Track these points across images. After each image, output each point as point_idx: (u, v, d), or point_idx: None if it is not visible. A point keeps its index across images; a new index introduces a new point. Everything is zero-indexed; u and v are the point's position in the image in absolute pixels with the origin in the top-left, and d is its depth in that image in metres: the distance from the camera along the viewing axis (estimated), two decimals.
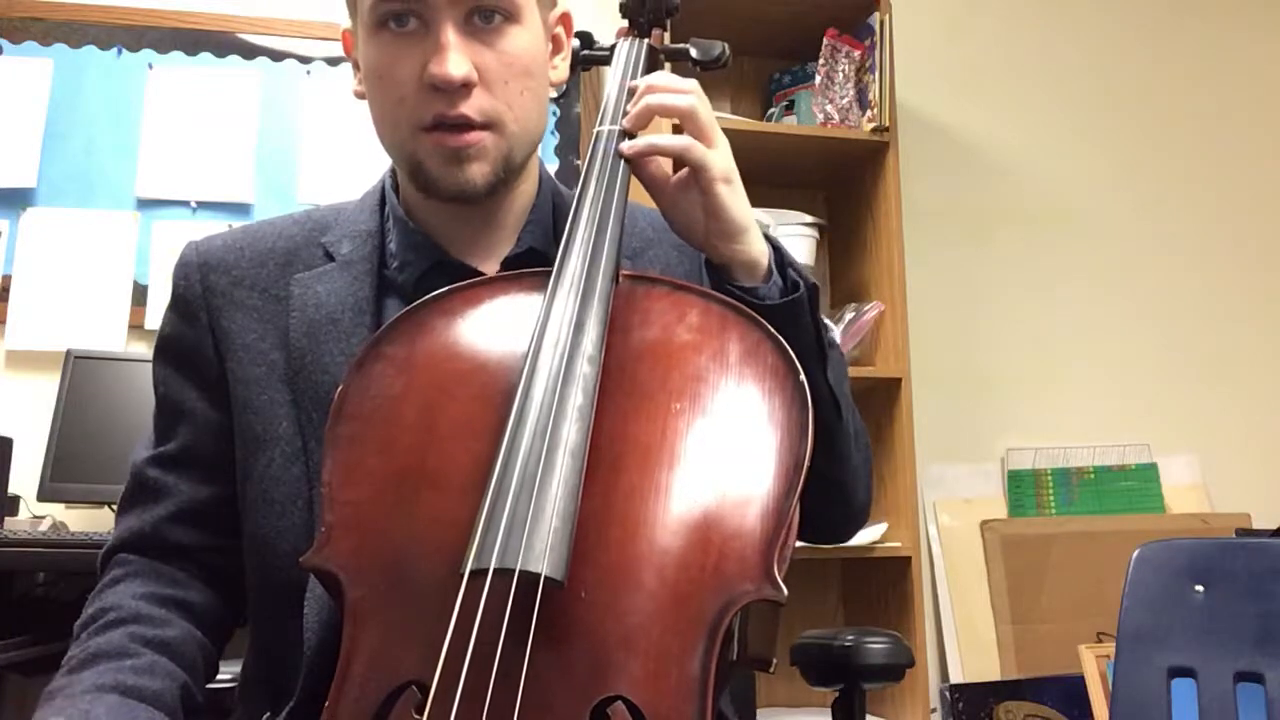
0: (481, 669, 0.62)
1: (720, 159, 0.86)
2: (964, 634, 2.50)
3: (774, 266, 0.89)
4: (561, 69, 0.99)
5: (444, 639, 0.64)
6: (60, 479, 2.08)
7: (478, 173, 0.89)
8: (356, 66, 0.95)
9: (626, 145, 0.87)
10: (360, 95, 0.95)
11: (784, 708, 2.35)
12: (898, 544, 2.29)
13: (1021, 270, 2.80)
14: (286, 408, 0.91)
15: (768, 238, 0.90)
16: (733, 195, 0.86)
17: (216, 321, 0.94)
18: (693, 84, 0.88)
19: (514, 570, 0.63)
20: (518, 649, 0.63)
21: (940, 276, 2.70)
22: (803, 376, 0.75)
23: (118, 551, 0.93)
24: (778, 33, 2.52)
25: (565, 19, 0.99)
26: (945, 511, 2.60)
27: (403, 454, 0.75)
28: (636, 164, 0.89)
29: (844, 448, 0.93)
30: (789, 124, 2.51)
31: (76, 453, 2.09)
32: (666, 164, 0.89)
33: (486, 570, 0.64)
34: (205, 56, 2.49)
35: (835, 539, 1.02)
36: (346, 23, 0.97)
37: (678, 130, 0.89)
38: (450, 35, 0.86)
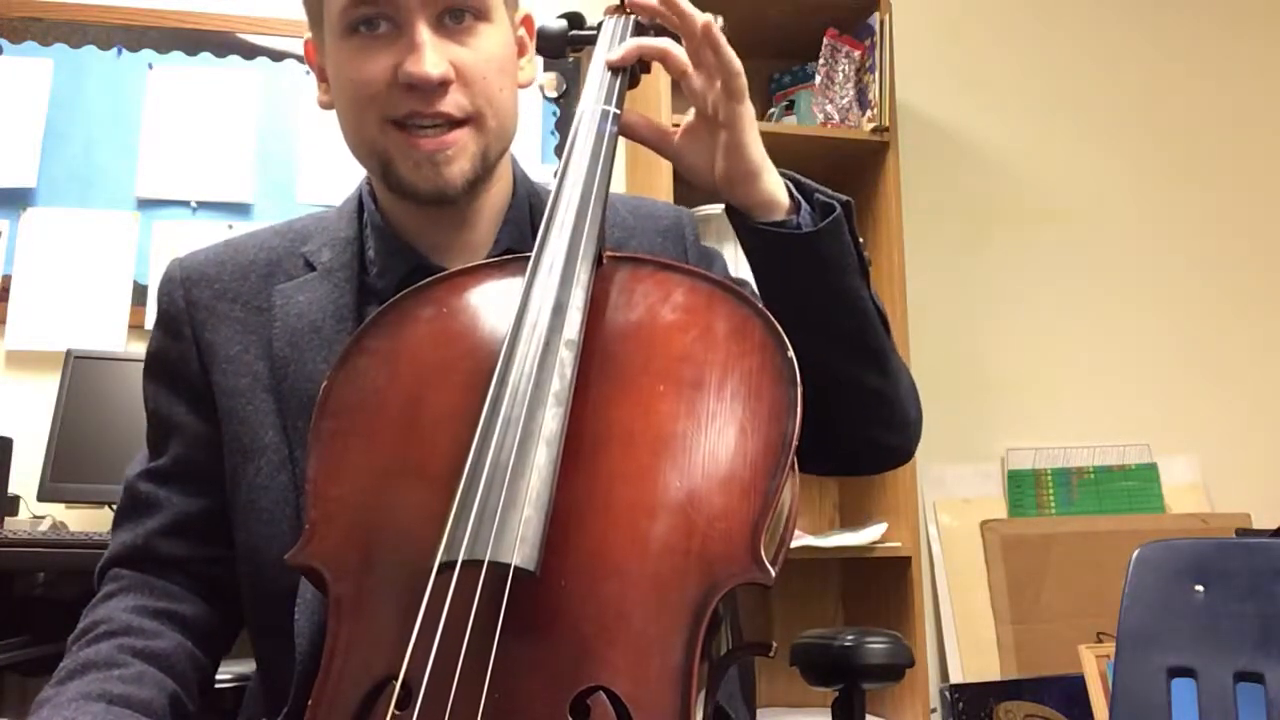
0: (452, 663, 0.62)
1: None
2: (964, 634, 2.50)
3: (798, 196, 0.88)
4: (528, 70, 0.99)
5: (413, 634, 0.63)
6: (60, 479, 2.08)
7: (456, 172, 0.89)
8: (322, 77, 0.95)
9: (705, 20, 0.84)
10: (326, 105, 0.95)
11: (784, 708, 2.35)
12: (898, 544, 2.29)
13: (1021, 270, 2.80)
14: (272, 417, 0.91)
15: (781, 171, 0.89)
16: (755, 134, 0.86)
17: (200, 335, 0.94)
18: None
19: (483, 562, 0.63)
20: (489, 642, 0.62)
21: (940, 276, 2.69)
22: (791, 352, 0.73)
23: (111, 567, 0.94)
24: (778, 33, 2.52)
25: (527, 21, 0.99)
26: (945, 511, 2.60)
27: (386, 446, 0.74)
28: (630, 127, 0.88)
29: (895, 363, 0.92)
30: (789, 124, 2.51)
31: (76, 453, 2.09)
32: (658, 118, 0.88)
33: (456, 563, 0.63)
34: (205, 56, 2.49)
35: (900, 461, 0.99)
36: None
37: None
38: (425, 34, 0.86)
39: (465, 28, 0.89)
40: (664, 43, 0.86)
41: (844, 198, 0.88)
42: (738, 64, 0.84)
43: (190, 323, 0.95)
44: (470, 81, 0.88)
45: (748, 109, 0.85)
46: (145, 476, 0.95)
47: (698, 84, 0.86)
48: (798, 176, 0.90)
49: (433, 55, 0.86)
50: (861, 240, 0.90)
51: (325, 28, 0.92)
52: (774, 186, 0.87)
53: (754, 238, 0.87)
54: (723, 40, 0.84)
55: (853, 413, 0.90)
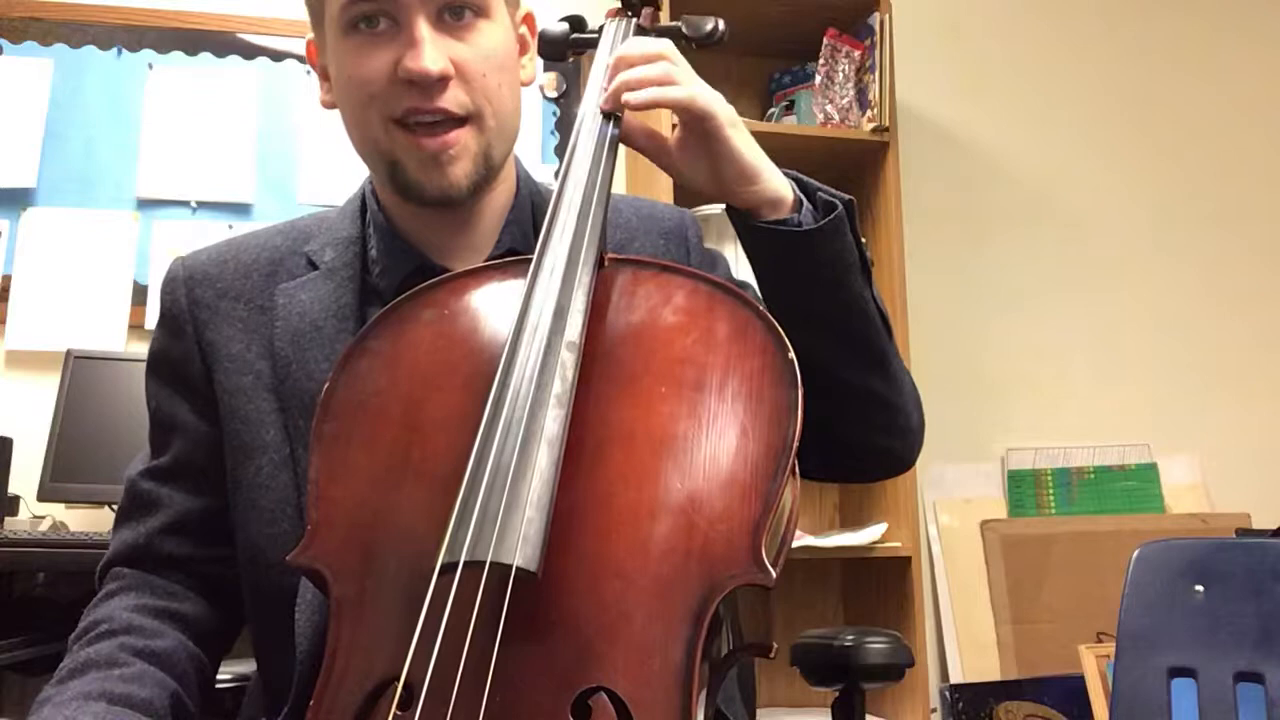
0: (454, 664, 0.62)
1: (721, 103, 0.85)
2: (964, 634, 2.50)
3: (801, 194, 0.88)
4: (530, 69, 0.98)
5: (415, 635, 0.63)
6: (60, 479, 2.08)
7: (460, 173, 0.89)
8: (324, 76, 0.95)
9: (633, 97, 0.84)
10: (328, 105, 0.95)
11: (784, 708, 2.35)
12: (898, 544, 2.29)
13: (1021, 270, 2.80)
14: (273, 416, 0.91)
15: (785, 171, 0.88)
16: (742, 137, 0.85)
17: (203, 334, 0.94)
18: (660, 45, 0.86)
19: (484, 563, 0.63)
20: (490, 643, 0.62)
21: (940, 277, 2.69)
22: (792, 354, 0.73)
23: (113, 565, 0.94)
24: (778, 33, 2.52)
25: (529, 19, 0.99)
26: (945, 511, 2.60)
27: (388, 448, 0.74)
28: (629, 134, 0.88)
29: (897, 367, 0.91)
30: (789, 124, 2.51)
31: (76, 453, 2.09)
32: (656, 125, 0.88)
33: (458, 564, 0.63)
34: (205, 56, 2.49)
35: (899, 468, 1.00)
36: None
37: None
38: (424, 30, 0.86)
39: (465, 24, 0.89)
40: (684, 93, 0.84)
41: (846, 196, 0.87)
42: (684, 96, 0.83)
43: (192, 322, 0.95)
44: (470, 78, 0.88)
45: (721, 119, 0.84)
46: (147, 475, 0.95)
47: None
48: (801, 176, 0.90)
49: (432, 51, 0.86)
50: (864, 241, 0.89)
51: (326, 26, 0.92)
52: (775, 186, 0.86)
53: (754, 236, 0.86)
54: (652, 93, 0.84)
55: (853, 416, 0.90)
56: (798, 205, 0.87)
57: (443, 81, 0.87)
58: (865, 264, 0.88)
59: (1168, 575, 1.17)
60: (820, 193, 0.88)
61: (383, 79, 0.87)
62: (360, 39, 0.88)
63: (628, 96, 0.85)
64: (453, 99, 0.87)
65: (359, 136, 0.92)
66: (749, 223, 0.86)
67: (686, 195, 1.90)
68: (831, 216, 0.85)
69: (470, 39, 0.89)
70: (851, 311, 0.87)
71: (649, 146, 0.90)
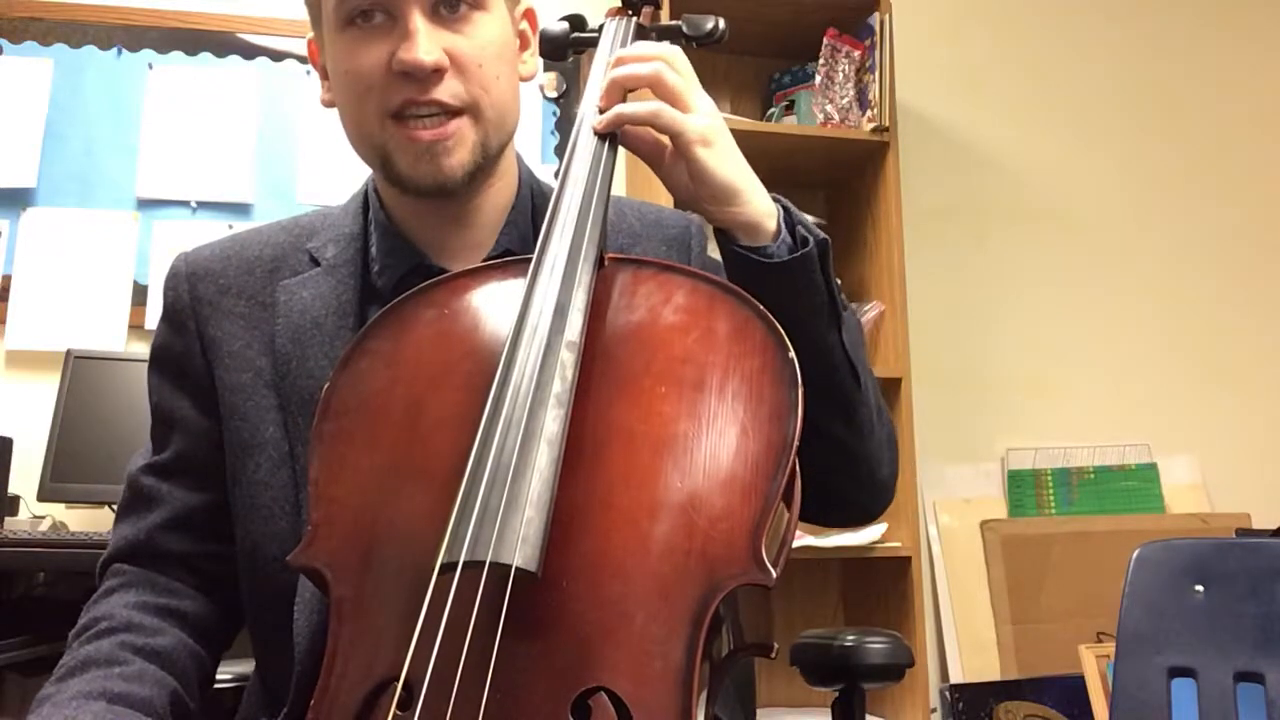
0: (454, 664, 0.62)
1: (695, 121, 0.83)
2: (964, 634, 2.50)
3: (783, 225, 0.85)
4: (530, 64, 0.98)
5: (414, 635, 0.63)
6: (60, 479, 2.08)
7: (455, 163, 0.89)
8: (324, 75, 0.95)
9: (596, 121, 0.86)
10: (328, 103, 0.95)
11: (784, 708, 2.35)
12: (898, 544, 2.29)
13: (1021, 270, 2.80)
14: (273, 413, 0.91)
15: (775, 198, 0.87)
16: (715, 157, 0.83)
17: (204, 330, 0.95)
18: (662, 48, 0.86)
19: (484, 563, 0.63)
20: (490, 642, 0.62)
21: (940, 276, 2.70)
22: (792, 353, 0.73)
23: (113, 561, 0.94)
24: (778, 33, 2.52)
25: (530, 14, 0.99)
26: (945, 511, 2.60)
27: (388, 448, 0.74)
28: (628, 138, 0.87)
29: (865, 416, 0.89)
30: (789, 124, 2.51)
31: (76, 453, 2.09)
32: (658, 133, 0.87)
33: (457, 563, 0.63)
34: (205, 56, 2.49)
35: (862, 519, 0.98)
36: None
37: None
38: (419, 22, 0.86)
39: (461, 16, 0.89)
40: (647, 108, 0.85)
41: (821, 236, 0.85)
42: (646, 112, 0.84)
43: (194, 318, 0.95)
44: (465, 69, 0.88)
45: (690, 137, 0.82)
46: (147, 470, 0.95)
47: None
48: (791, 207, 0.88)
49: (426, 42, 0.86)
50: (838, 282, 0.87)
51: (323, 24, 0.92)
52: (753, 212, 0.84)
53: (727, 259, 0.86)
54: (640, 108, 0.84)
55: (813, 459, 0.87)
56: (777, 234, 0.85)
57: (437, 73, 0.87)
58: (836, 308, 0.86)
59: (1168, 575, 1.17)
60: (799, 227, 0.86)
61: (378, 72, 0.87)
62: (356, 33, 0.88)
63: (602, 106, 0.85)
64: (448, 90, 0.87)
65: (355, 130, 0.92)
66: (723, 244, 0.86)
67: None
68: (796, 255, 0.83)
69: (466, 31, 0.89)
70: (812, 354, 0.83)
71: (645, 151, 0.89)
